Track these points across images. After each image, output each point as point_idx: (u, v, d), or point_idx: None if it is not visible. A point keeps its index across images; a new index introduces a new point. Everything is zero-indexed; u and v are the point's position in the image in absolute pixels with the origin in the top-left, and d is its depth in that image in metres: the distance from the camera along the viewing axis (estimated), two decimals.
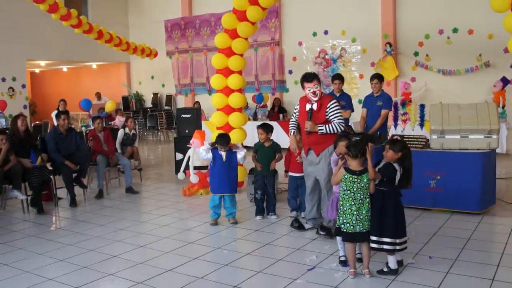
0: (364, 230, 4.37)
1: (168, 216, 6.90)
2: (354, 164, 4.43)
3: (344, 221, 4.41)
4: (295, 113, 5.94)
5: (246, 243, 5.67)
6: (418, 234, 5.60)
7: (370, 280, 4.37)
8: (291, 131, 6.07)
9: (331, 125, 5.48)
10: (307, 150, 5.70)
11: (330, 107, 5.51)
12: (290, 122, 6.09)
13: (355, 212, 4.36)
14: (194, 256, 5.16)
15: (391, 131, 6.99)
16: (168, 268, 4.81)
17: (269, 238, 5.73)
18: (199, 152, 6.43)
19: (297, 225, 5.94)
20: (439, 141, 6.51)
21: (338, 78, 8.25)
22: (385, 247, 4.39)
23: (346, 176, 4.42)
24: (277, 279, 4.48)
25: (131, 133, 9.76)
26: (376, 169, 4.47)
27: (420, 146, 6.67)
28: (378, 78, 8.07)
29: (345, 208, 4.41)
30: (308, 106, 5.60)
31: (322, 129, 5.47)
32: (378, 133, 7.63)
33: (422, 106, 7.03)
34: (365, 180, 4.37)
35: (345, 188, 4.42)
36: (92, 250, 5.44)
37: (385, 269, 4.46)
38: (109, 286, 4.51)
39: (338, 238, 4.70)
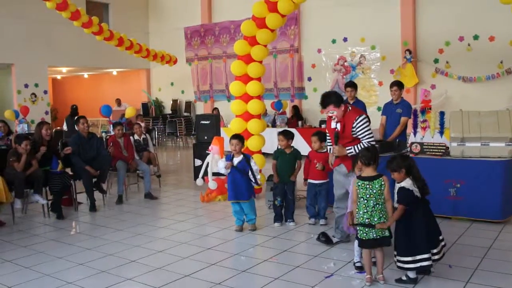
0: (378, 237, 4.34)
1: (186, 222, 6.93)
2: (368, 171, 4.43)
3: (359, 228, 4.41)
4: None
5: (264, 249, 5.66)
6: None
7: None
8: (329, 149, 5.69)
9: (360, 146, 5.09)
10: (338, 163, 5.38)
11: (358, 125, 5.12)
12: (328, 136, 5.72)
13: (366, 220, 4.34)
14: (212, 262, 5.17)
15: (411, 139, 6.94)
16: (186, 273, 4.83)
17: (287, 245, 5.73)
18: (219, 167, 6.43)
19: (324, 239, 5.59)
20: (459, 149, 6.44)
21: (351, 85, 8.11)
22: (424, 264, 4.29)
23: (359, 184, 4.41)
24: (294, 286, 4.47)
25: (141, 138, 9.86)
26: (395, 201, 4.38)
27: (440, 154, 6.60)
28: (397, 85, 8.04)
29: (358, 216, 4.41)
30: (333, 124, 5.28)
31: (351, 151, 5.15)
32: (397, 140, 7.58)
33: (442, 114, 6.94)
34: (376, 186, 4.35)
35: (359, 196, 4.41)
36: (111, 255, 5.49)
37: (404, 278, 4.41)
38: None
39: (355, 244, 4.70)
